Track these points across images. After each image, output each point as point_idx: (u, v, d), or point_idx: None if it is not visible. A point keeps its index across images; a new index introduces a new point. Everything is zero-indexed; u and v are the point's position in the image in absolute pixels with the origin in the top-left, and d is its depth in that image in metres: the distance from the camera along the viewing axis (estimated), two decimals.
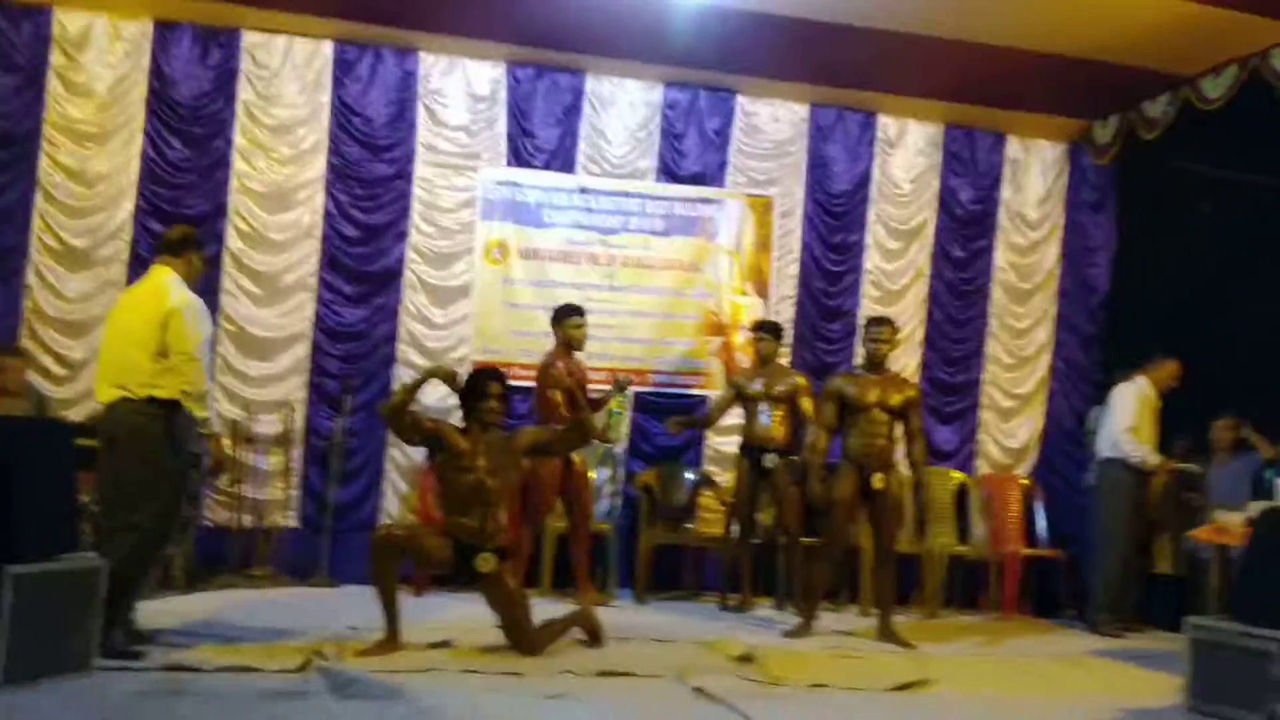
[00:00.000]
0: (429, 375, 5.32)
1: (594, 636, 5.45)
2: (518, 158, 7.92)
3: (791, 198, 8.36)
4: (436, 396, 6.94)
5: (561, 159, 8.00)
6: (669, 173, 8.18)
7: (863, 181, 8.47)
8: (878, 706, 4.69)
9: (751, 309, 8.12)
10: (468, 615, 5.75)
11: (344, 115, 7.65)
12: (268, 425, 7.35)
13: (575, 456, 6.85)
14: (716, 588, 7.47)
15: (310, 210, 7.60)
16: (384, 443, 7.50)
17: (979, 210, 8.68)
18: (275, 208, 7.55)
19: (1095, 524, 7.25)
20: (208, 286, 6.36)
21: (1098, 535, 7.20)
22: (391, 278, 7.71)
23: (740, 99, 8.27)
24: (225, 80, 7.49)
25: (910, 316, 8.42)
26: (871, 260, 8.47)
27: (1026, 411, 8.68)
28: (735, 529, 7.27)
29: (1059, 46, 7.16)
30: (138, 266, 7.10)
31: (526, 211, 7.91)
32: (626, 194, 8.08)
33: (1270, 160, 7.17)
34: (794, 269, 8.34)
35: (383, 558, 5.06)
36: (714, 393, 7.87)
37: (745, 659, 5.29)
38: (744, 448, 7.22)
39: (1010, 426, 8.65)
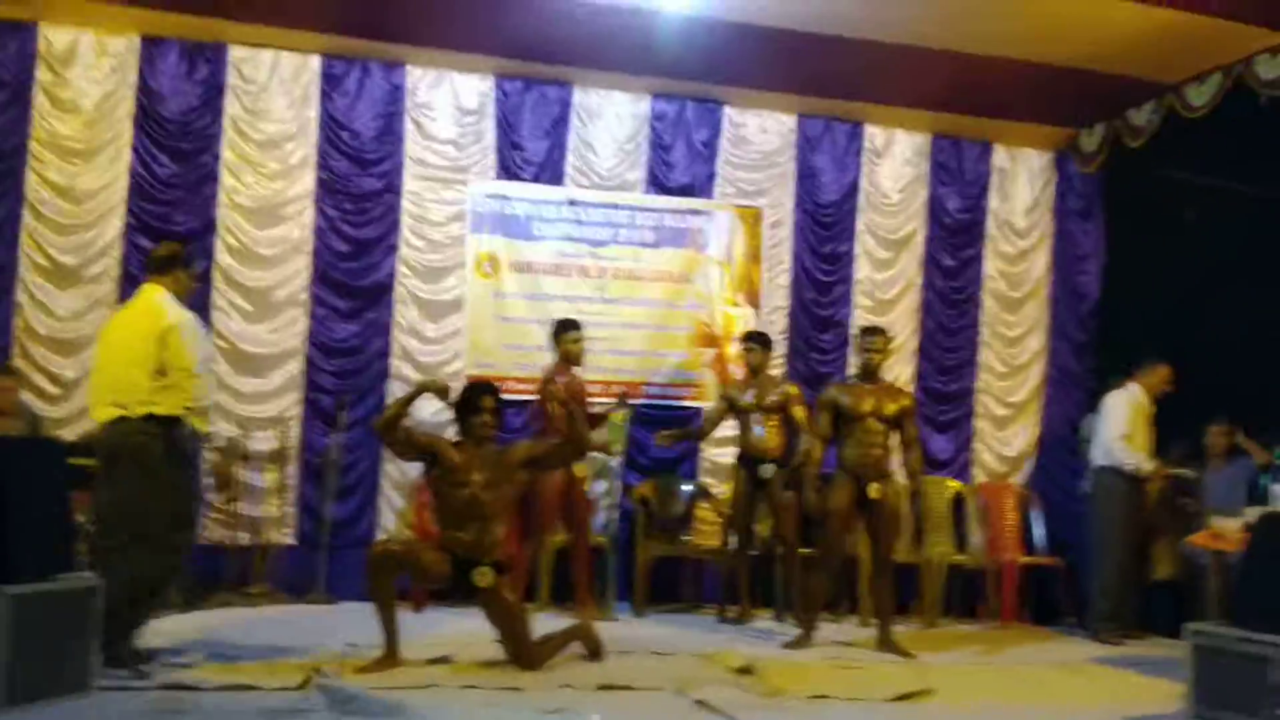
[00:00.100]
0: (421, 390, 5.29)
1: (594, 650, 5.43)
2: (506, 170, 7.91)
3: (781, 208, 8.37)
4: (431, 411, 6.90)
5: (550, 171, 7.99)
6: (658, 184, 8.18)
7: (851, 192, 8.49)
8: (879, 717, 4.68)
9: (744, 320, 8.12)
10: (467, 630, 5.72)
11: (332, 129, 7.63)
12: (263, 442, 7.30)
13: (576, 470, 6.82)
14: (715, 599, 7.46)
15: (300, 225, 7.57)
16: (379, 458, 7.46)
17: (967, 219, 8.71)
18: (265, 223, 7.52)
19: (1092, 532, 7.25)
20: (199, 303, 6.32)
21: (1095, 543, 7.20)
22: (383, 292, 7.68)
23: (728, 110, 8.28)
24: (212, 95, 7.46)
25: (903, 326, 8.43)
26: (862, 270, 8.48)
27: (1021, 419, 8.70)
28: (733, 540, 7.26)
29: (1044, 56, 7.20)
30: (128, 284, 7.06)
31: (516, 224, 7.90)
32: (616, 206, 8.08)
33: (1255, 167, 7.20)
34: (785, 279, 8.35)
35: (380, 573, 5.03)
36: (707, 404, 7.86)
37: (745, 671, 5.27)
38: (740, 459, 7.21)
39: (1005, 434, 8.66)
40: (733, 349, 7.98)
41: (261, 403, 7.40)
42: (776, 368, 7.97)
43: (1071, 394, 8.56)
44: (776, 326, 8.22)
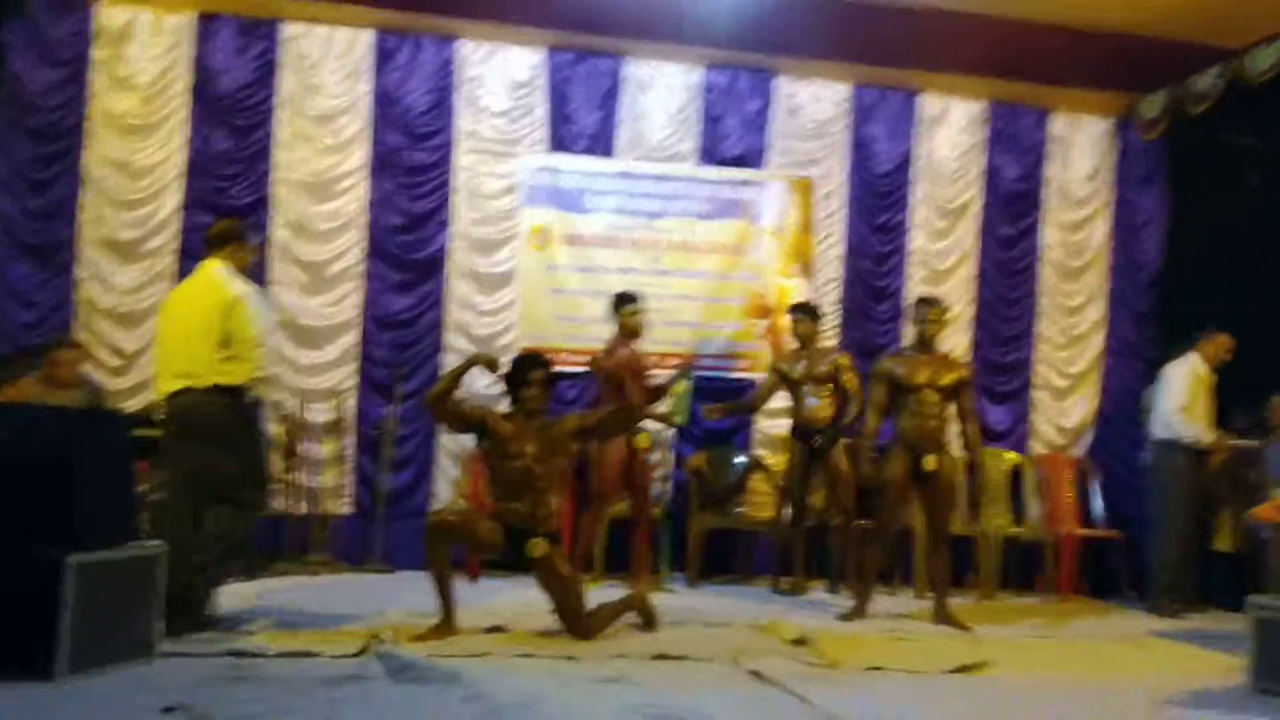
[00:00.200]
0: (470, 364, 5.31)
1: (648, 621, 5.44)
2: (558, 143, 7.90)
3: (834, 178, 8.30)
4: (484, 384, 6.94)
5: (602, 144, 7.98)
6: (710, 155, 8.13)
7: (906, 161, 8.40)
8: (936, 689, 4.63)
9: (797, 291, 8.05)
10: (521, 600, 5.77)
11: (384, 104, 7.67)
12: (320, 413, 7.39)
13: (638, 441, 6.83)
14: (768, 571, 7.46)
15: (354, 199, 7.63)
16: (434, 430, 7.52)
17: (1025, 188, 8.58)
18: (319, 197, 7.59)
19: (1152, 504, 7.15)
20: (255, 277, 6.38)
21: (1155, 516, 7.11)
22: (436, 265, 7.73)
23: (780, 80, 8.21)
24: (266, 71, 7.53)
25: (959, 296, 8.33)
26: (917, 240, 8.39)
27: (1080, 390, 8.58)
28: (787, 512, 7.23)
29: (1104, 21, 7.09)
30: (186, 258, 7.18)
31: (568, 197, 7.89)
32: (668, 177, 8.04)
33: None
34: (839, 250, 8.28)
35: (436, 543, 5.07)
36: (761, 375, 7.82)
37: (800, 642, 5.25)
38: (794, 431, 7.18)
39: (1064, 406, 8.54)
40: (786, 320, 7.92)
41: (318, 375, 7.49)
42: (830, 339, 7.92)
43: (1132, 364, 8.42)
44: (830, 297, 8.17)
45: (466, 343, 7.59)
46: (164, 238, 7.34)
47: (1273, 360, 7.07)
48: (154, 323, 7.00)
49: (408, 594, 5.80)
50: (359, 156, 7.65)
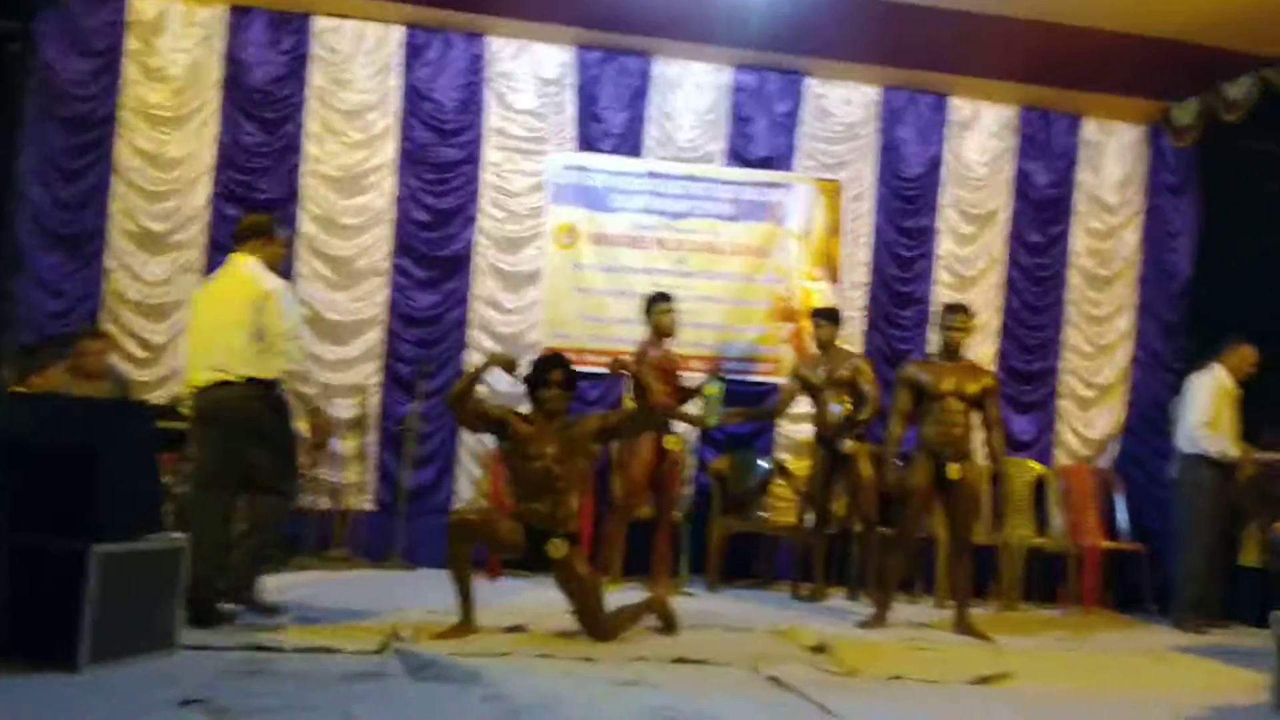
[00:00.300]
0: (489, 364, 5.31)
1: (668, 624, 5.43)
2: (586, 142, 7.89)
3: (862, 182, 8.25)
4: (508, 383, 6.91)
5: (630, 143, 7.96)
6: (737, 156, 8.10)
7: (935, 165, 8.34)
8: (956, 700, 4.60)
9: (822, 294, 8.02)
10: (541, 600, 5.77)
11: (414, 99, 7.68)
12: (343, 409, 7.39)
13: (668, 443, 6.82)
14: (788, 577, 7.43)
15: (381, 194, 7.64)
16: (457, 428, 7.51)
17: (1055, 194, 8.51)
18: (347, 192, 7.60)
19: (1178, 519, 7.08)
20: (282, 271, 6.40)
21: (1180, 530, 7.04)
22: (462, 262, 7.73)
23: (810, 81, 8.17)
24: (297, 65, 7.54)
25: (986, 303, 8.25)
26: (945, 246, 8.34)
27: (1106, 401, 8.49)
28: (809, 518, 7.20)
29: (1137, 26, 7.02)
30: (214, 250, 7.22)
31: (595, 196, 7.88)
32: (694, 178, 8.02)
33: None
34: (865, 254, 8.24)
35: (457, 542, 5.07)
36: (784, 379, 7.78)
37: (819, 649, 5.24)
38: (817, 436, 7.15)
39: (1089, 416, 8.46)
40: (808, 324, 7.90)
41: (343, 370, 7.50)
42: (855, 344, 7.89)
43: (1159, 375, 8.34)
44: (855, 302, 8.13)
45: (490, 341, 7.59)
46: (192, 230, 7.38)
47: None
48: (181, 315, 7.10)
49: (428, 592, 5.80)
50: (387, 152, 7.65)
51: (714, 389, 6.84)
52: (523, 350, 7.17)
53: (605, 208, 7.89)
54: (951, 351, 6.30)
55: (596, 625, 5.15)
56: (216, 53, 7.43)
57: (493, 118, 7.78)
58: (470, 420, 5.38)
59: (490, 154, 7.78)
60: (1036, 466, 8.00)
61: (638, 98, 7.96)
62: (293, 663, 4.28)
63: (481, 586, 5.39)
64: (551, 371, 5.27)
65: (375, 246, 7.61)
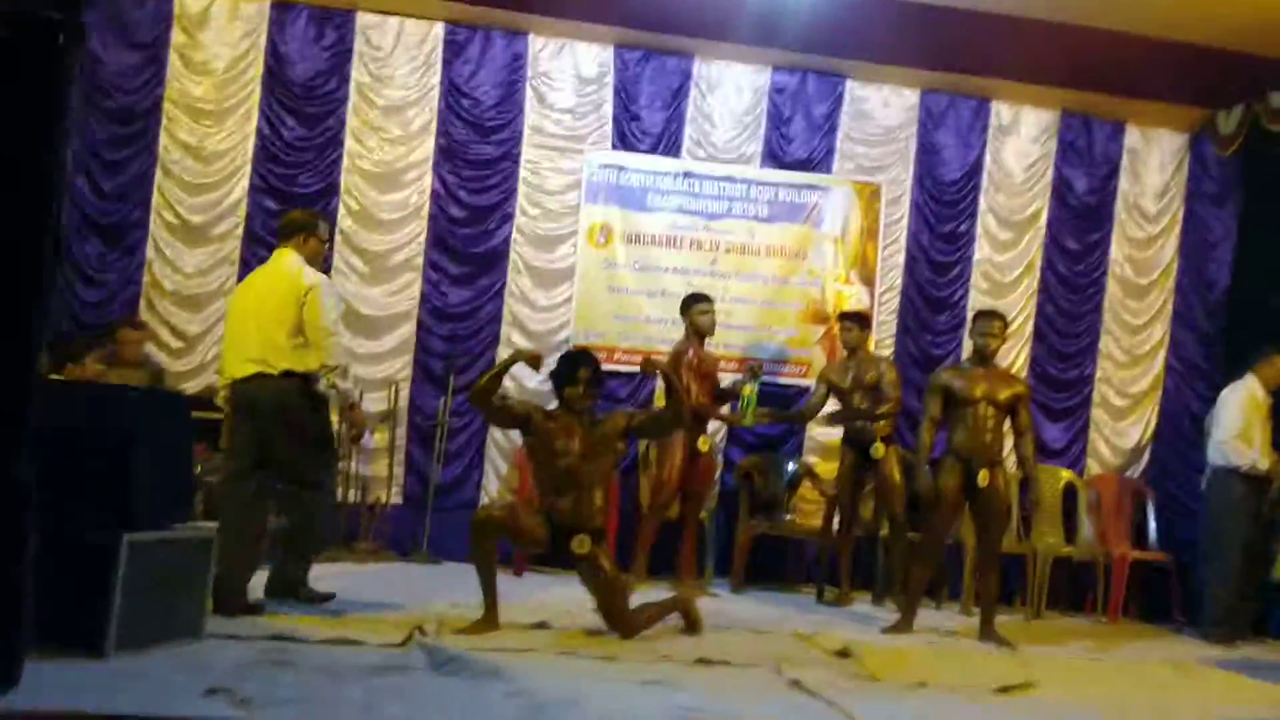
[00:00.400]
0: (514, 359, 5.34)
1: (692, 624, 5.43)
2: (623, 141, 7.92)
3: (900, 185, 8.23)
4: (538, 380, 6.97)
5: (667, 142, 7.97)
6: (775, 158, 8.09)
7: (974, 169, 8.30)
8: (980, 707, 4.57)
9: (856, 298, 8.01)
10: (565, 597, 5.80)
11: (453, 96, 7.72)
12: (374, 403, 7.44)
13: (701, 444, 6.83)
14: (812, 579, 7.41)
15: (419, 190, 7.69)
16: (485, 424, 7.56)
17: (1094, 201, 8.44)
18: (385, 187, 7.66)
19: (1208, 532, 7.02)
20: (321, 266, 6.49)
21: (1209, 542, 6.97)
22: (497, 259, 7.77)
23: (849, 84, 8.16)
24: (339, 61, 7.61)
25: (1020, 309, 8.22)
26: (982, 251, 8.29)
27: (1140, 411, 8.43)
28: (836, 521, 7.19)
29: (1182, 33, 6.98)
30: (252, 243, 7.30)
31: (631, 195, 7.90)
32: (731, 179, 8.02)
33: None
34: (900, 258, 8.21)
35: (482, 538, 5.09)
36: (814, 383, 7.77)
37: (843, 653, 5.21)
38: (846, 440, 7.13)
39: (1123, 425, 8.40)
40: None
41: (374, 364, 7.55)
42: (888, 348, 7.87)
43: (1194, 386, 8.26)
44: (889, 306, 8.11)
45: (522, 338, 7.63)
46: (231, 222, 7.46)
47: None
48: (218, 306, 7.18)
49: (453, 586, 5.86)
50: (426, 148, 7.71)
51: (750, 389, 6.84)
52: (553, 348, 7.20)
53: (641, 207, 7.90)
54: (985, 358, 6.25)
55: (620, 621, 5.16)
56: (260, 47, 7.51)
57: (531, 115, 7.82)
58: (494, 415, 5.41)
59: (528, 151, 7.82)
60: (1067, 474, 7.94)
61: (676, 98, 7.98)
62: (317, 654, 4.31)
63: (507, 582, 5.42)
64: (578, 369, 5.28)
65: (411, 242, 7.67)
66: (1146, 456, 8.40)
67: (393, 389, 7.50)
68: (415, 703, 3.77)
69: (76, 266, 7.16)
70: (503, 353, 7.55)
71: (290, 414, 5.07)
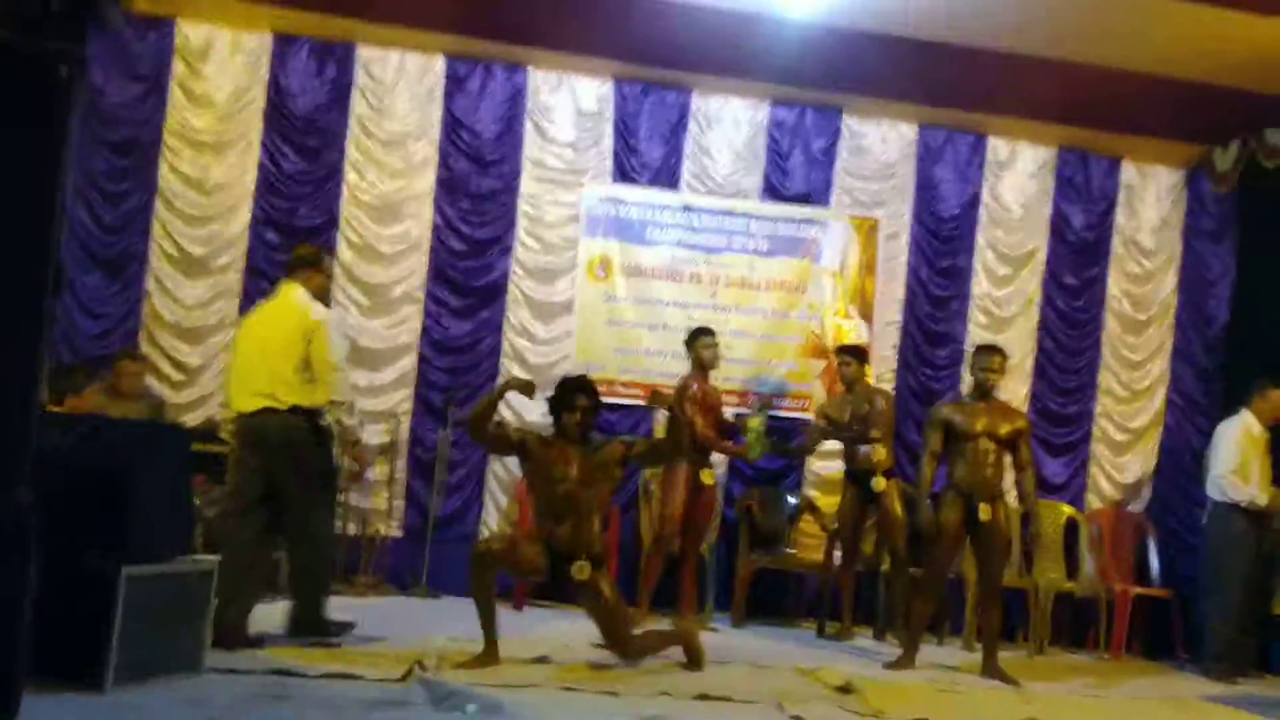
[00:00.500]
0: (507, 388, 5.36)
1: (694, 659, 5.39)
2: (623, 174, 7.94)
3: (898, 220, 8.25)
4: (540, 413, 6.94)
5: (666, 176, 8.00)
6: (773, 192, 8.12)
7: (972, 205, 8.33)
8: None
9: (855, 332, 8.01)
10: (566, 631, 5.78)
11: (454, 129, 7.74)
12: (374, 435, 7.43)
13: (704, 478, 6.81)
14: (814, 614, 7.38)
15: (419, 223, 7.70)
16: (486, 456, 7.54)
17: (1092, 237, 8.47)
18: (385, 220, 7.67)
19: (1208, 568, 6.99)
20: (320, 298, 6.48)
21: (1210, 579, 6.95)
22: (496, 292, 7.77)
23: (847, 118, 8.19)
24: (340, 94, 7.63)
25: (1020, 345, 8.21)
26: (980, 286, 8.31)
27: (1140, 445, 8.43)
28: (837, 555, 7.16)
29: (1178, 70, 7.01)
30: (253, 275, 7.30)
31: (631, 228, 7.91)
32: (730, 213, 8.04)
33: None
34: (899, 293, 8.22)
35: (481, 571, 5.07)
36: (811, 418, 7.76)
37: (845, 689, 5.18)
38: (848, 474, 7.11)
39: (1123, 460, 8.40)
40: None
41: (374, 396, 7.53)
42: (888, 382, 7.88)
43: (1194, 421, 8.26)
44: (888, 340, 8.12)
45: (522, 371, 7.58)
46: (231, 254, 7.45)
47: None
48: (218, 338, 7.19)
49: (453, 620, 5.81)
50: (426, 181, 7.72)
51: (757, 422, 6.85)
52: (552, 381, 7.16)
53: (640, 240, 7.92)
54: (984, 392, 6.25)
55: (623, 644, 5.15)
56: (261, 80, 7.53)
57: (531, 149, 7.84)
58: (490, 442, 5.41)
59: (528, 185, 7.83)
60: (1068, 509, 7.92)
61: (675, 131, 8.01)
62: (317, 689, 4.28)
63: (507, 616, 5.39)
64: (575, 395, 5.28)
65: (411, 274, 7.67)
66: (1148, 492, 8.39)
67: (393, 422, 7.48)
68: None
69: (77, 298, 7.15)
70: None
71: (298, 449, 5.08)
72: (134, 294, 7.30)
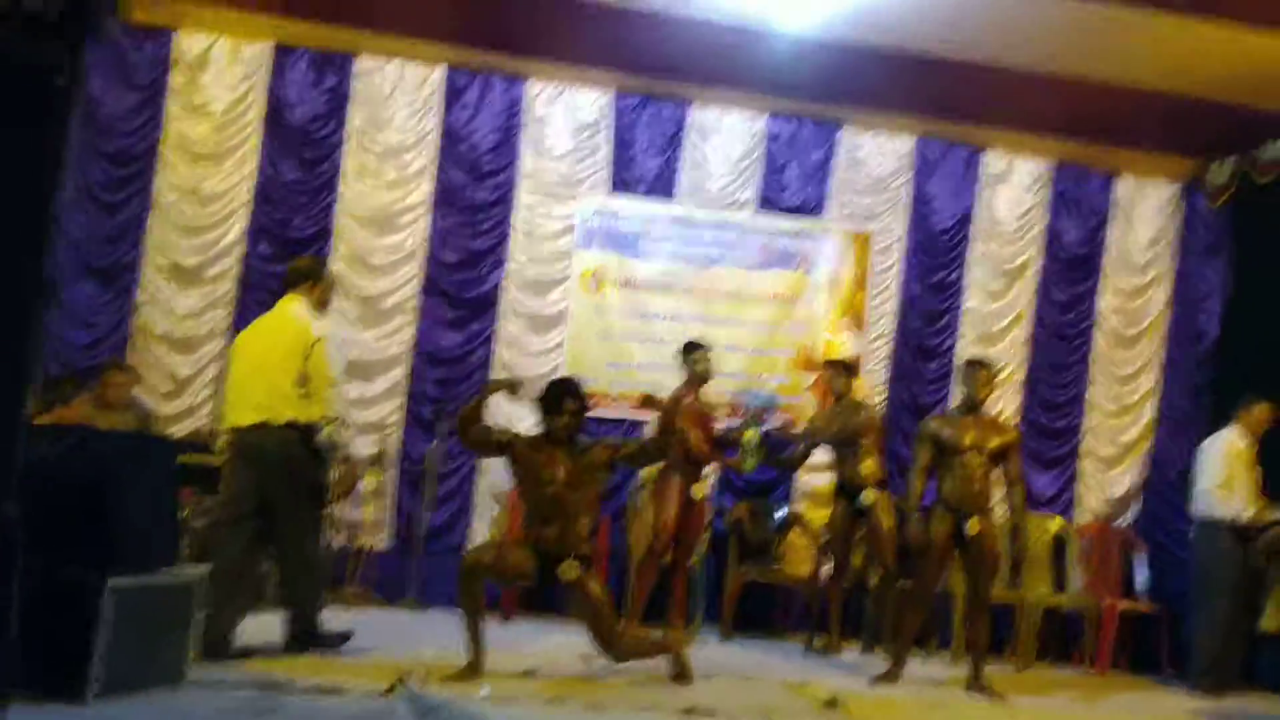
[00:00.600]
0: (493, 388, 5.41)
1: (682, 673, 5.39)
2: (619, 186, 7.95)
3: (891, 234, 8.27)
4: (531, 422, 6.94)
5: (662, 188, 8.02)
6: (769, 204, 8.13)
7: (966, 219, 8.35)
8: None
9: (846, 345, 8.03)
10: (553, 645, 5.78)
11: (450, 141, 7.76)
12: (364, 446, 7.43)
13: (696, 492, 6.82)
14: (802, 628, 7.38)
15: (413, 234, 7.72)
16: (476, 468, 7.56)
17: (1085, 251, 8.48)
18: (380, 231, 7.68)
19: (1195, 583, 7.01)
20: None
21: (1197, 595, 6.96)
22: (489, 304, 7.79)
23: (844, 131, 8.21)
24: (337, 104, 7.65)
25: (1010, 358, 8.24)
26: (972, 300, 8.32)
27: (1129, 460, 8.44)
28: (826, 568, 7.17)
29: (1174, 85, 7.04)
30: (247, 286, 7.30)
31: (625, 240, 7.93)
32: (724, 225, 8.05)
33: None
34: (891, 306, 8.24)
35: (470, 583, 5.08)
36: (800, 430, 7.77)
37: (832, 704, 5.19)
38: (839, 488, 7.12)
39: (1112, 475, 8.40)
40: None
41: (364, 408, 7.53)
42: (879, 396, 7.89)
43: (1183, 436, 8.23)
44: (880, 354, 8.14)
45: None
46: (225, 264, 7.47)
47: None
48: (209, 349, 7.21)
49: (440, 633, 5.82)
50: (422, 192, 7.74)
51: (750, 434, 6.86)
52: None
53: (634, 252, 7.93)
54: (973, 406, 6.26)
55: (611, 644, 5.16)
56: (259, 90, 7.55)
57: (527, 161, 7.86)
58: (477, 443, 5.41)
59: (523, 196, 7.85)
60: (1056, 524, 7.93)
61: (672, 143, 8.03)
62: (301, 703, 4.30)
63: (495, 629, 5.40)
64: (563, 397, 5.30)
65: (403, 285, 7.68)
66: (1136, 506, 8.40)
67: (383, 433, 7.49)
68: None
69: (67, 308, 7.15)
70: (494, 398, 7.52)
71: (293, 464, 5.11)
72: (126, 304, 7.31)
